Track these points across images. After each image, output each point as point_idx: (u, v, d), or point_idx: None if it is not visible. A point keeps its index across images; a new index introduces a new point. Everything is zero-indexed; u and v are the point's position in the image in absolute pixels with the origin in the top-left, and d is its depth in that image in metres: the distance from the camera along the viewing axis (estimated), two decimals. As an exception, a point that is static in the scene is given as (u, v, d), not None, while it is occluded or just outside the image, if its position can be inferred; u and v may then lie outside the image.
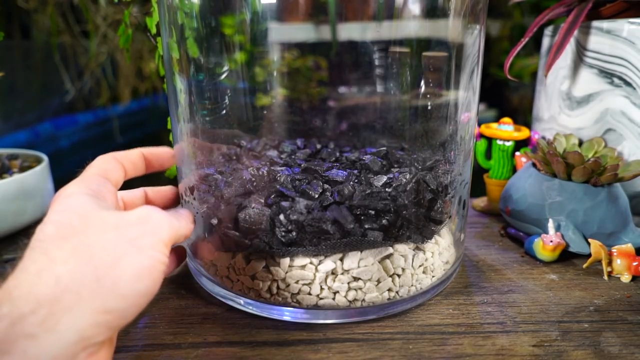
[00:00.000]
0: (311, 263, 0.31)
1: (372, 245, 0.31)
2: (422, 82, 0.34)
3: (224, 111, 0.36)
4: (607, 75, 0.44)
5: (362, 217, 0.31)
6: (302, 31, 0.35)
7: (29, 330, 0.19)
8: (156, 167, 0.34)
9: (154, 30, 0.43)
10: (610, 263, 0.38)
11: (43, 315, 0.20)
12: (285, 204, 0.31)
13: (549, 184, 0.41)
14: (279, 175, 0.33)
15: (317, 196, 0.31)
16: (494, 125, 0.52)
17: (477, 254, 0.43)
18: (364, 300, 0.32)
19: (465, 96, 0.35)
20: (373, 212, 0.31)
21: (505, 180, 0.50)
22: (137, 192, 0.34)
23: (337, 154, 0.39)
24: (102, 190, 0.26)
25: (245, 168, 0.35)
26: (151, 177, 0.36)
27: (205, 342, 0.30)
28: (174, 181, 0.41)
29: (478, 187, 0.51)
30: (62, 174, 0.45)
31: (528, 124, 0.54)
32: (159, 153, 0.34)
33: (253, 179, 0.33)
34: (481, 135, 0.52)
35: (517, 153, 0.50)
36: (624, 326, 0.31)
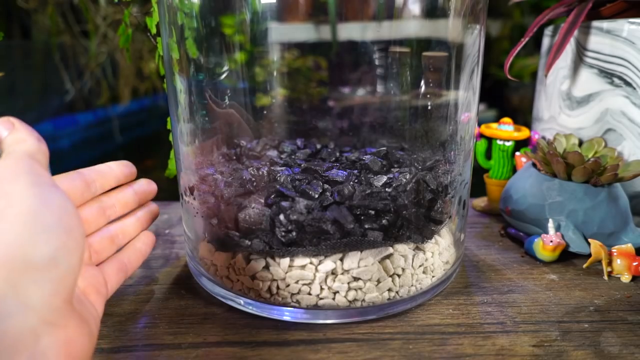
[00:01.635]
0: (311, 263, 0.31)
1: (372, 245, 0.31)
2: (422, 82, 0.34)
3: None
4: (607, 75, 0.44)
5: (362, 217, 0.31)
6: (302, 31, 0.35)
7: None
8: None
9: (154, 30, 0.43)
10: (610, 263, 0.38)
11: None
12: (285, 204, 0.31)
13: (549, 184, 0.41)
14: (279, 175, 0.33)
15: (317, 196, 0.31)
16: (494, 125, 0.52)
17: (477, 254, 0.43)
18: (364, 300, 0.32)
19: (465, 96, 0.35)
20: (373, 212, 0.31)
21: (505, 180, 0.50)
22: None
23: (337, 154, 0.39)
24: None
25: (245, 168, 0.35)
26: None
27: (205, 342, 0.30)
28: (174, 181, 0.41)
29: (478, 187, 0.51)
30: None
31: (528, 124, 0.54)
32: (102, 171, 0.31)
33: (253, 179, 0.33)
34: (481, 135, 0.52)
35: (517, 153, 0.50)
36: (624, 326, 0.31)
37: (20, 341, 0.17)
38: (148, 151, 1.31)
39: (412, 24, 0.32)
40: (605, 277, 0.37)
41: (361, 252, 0.31)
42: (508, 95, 1.50)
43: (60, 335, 0.19)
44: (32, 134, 0.23)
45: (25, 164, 0.21)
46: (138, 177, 0.35)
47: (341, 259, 0.31)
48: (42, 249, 0.19)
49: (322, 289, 0.31)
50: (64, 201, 0.21)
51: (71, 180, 0.28)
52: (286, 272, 0.31)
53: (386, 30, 0.33)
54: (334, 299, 0.31)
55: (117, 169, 0.31)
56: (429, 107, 0.35)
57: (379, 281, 0.32)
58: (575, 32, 0.45)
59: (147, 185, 0.35)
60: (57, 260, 0.19)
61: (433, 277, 0.35)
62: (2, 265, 0.18)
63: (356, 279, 0.31)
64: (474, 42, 0.34)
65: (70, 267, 0.20)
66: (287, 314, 0.32)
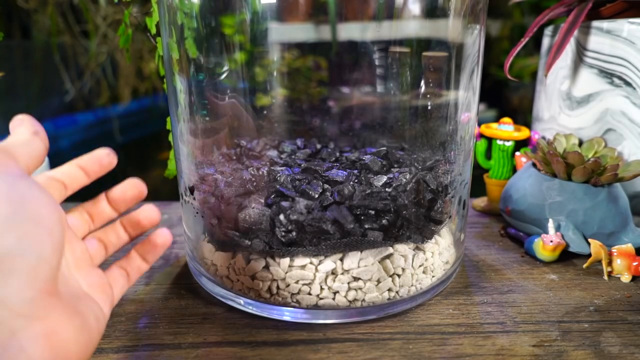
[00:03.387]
0: (311, 263, 0.31)
1: (372, 245, 0.31)
2: (422, 82, 0.34)
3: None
4: (607, 75, 0.44)
5: (362, 217, 0.31)
6: (302, 31, 0.35)
7: None
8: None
9: (153, 30, 0.43)
10: (610, 263, 0.38)
11: None
12: (285, 204, 0.31)
13: (549, 184, 0.41)
14: (279, 175, 0.33)
15: (317, 196, 0.31)
16: (494, 125, 0.52)
17: (477, 254, 0.43)
18: (364, 300, 0.32)
19: (465, 96, 0.35)
20: (373, 212, 0.31)
21: (505, 180, 0.50)
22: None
23: (337, 154, 0.39)
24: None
25: (245, 168, 0.35)
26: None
27: (205, 342, 0.30)
28: (174, 181, 0.41)
29: (478, 187, 0.51)
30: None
31: (528, 124, 0.54)
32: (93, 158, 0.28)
33: (253, 179, 0.33)
34: (481, 135, 0.52)
35: (517, 153, 0.50)
36: (624, 326, 0.31)
37: None
38: (148, 151, 1.31)
39: (412, 24, 0.32)
40: (605, 277, 0.37)
41: (361, 252, 0.31)
42: (508, 95, 1.50)
43: (38, 328, 0.18)
44: (29, 128, 0.23)
45: None
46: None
47: (341, 259, 0.31)
48: (2, 240, 0.18)
49: (322, 289, 0.31)
50: (30, 191, 0.20)
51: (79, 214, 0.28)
52: (286, 272, 0.31)
53: (386, 30, 0.33)
54: (334, 299, 0.31)
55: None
56: (429, 107, 0.35)
57: (379, 281, 0.32)
58: (575, 32, 0.45)
59: (129, 188, 0.30)
60: (23, 251, 0.18)
61: (433, 277, 0.35)
62: None
63: (356, 279, 0.31)
64: (474, 42, 0.34)
65: (40, 257, 0.19)
66: (287, 314, 0.32)
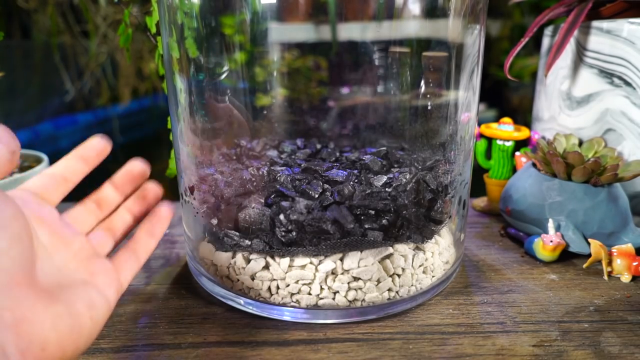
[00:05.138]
0: (311, 263, 0.31)
1: (372, 245, 0.31)
2: (422, 82, 0.34)
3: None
4: (607, 75, 0.44)
5: (362, 217, 0.31)
6: (302, 31, 0.35)
7: None
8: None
9: (153, 30, 0.43)
10: (610, 263, 0.38)
11: None
12: (285, 204, 0.31)
13: (549, 184, 0.41)
14: (279, 175, 0.33)
15: (317, 196, 0.31)
16: (494, 125, 0.52)
17: (477, 254, 0.43)
18: (364, 300, 0.32)
19: (465, 96, 0.35)
20: (373, 212, 0.31)
21: (505, 180, 0.50)
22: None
23: (337, 154, 0.39)
24: None
25: (245, 168, 0.35)
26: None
27: (205, 342, 0.30)
28: (173, 181, 0.41)
29: (478, 187, 0.51)
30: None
31: (528, 124, 0.54)
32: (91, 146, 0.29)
33: (253, 179, 0.33)
34: (481, 135, 0.52)
35: (517, 153, 0.50)
36: (624, 326, 0.31)
37: None
38: (148, 151, 1.31)
39: (412, 24, 0.32)
40: (605, 277, 0.37)
41: (361, 252, 0.31)
42: (508, 95, 1.50)
43: (6, 317, 0.19)
44: None
45: None
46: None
47: (341, 259, 0.31)
48: None
49: (322, 288, 0.31)
50: None
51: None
52: (286, 272, 0.31)
53: (386, 30, 0.33)
54: (334, 298, 0.31)
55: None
56: (429, 107, 0.35)
57: (379, 281, 0.32)
58: (575, 32, 0.45)
59: (130, 173, 0.31)
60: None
61: (433, 277, 0.35)
62: None
63: (356, 278, 0.31)
64: (474, 42, 0.34)
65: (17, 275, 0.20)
66: (287, 314, 0.32)
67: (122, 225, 0.30)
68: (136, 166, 0.31)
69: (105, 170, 0.32)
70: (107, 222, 0.30)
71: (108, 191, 0.30)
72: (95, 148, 0.29)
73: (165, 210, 0.31)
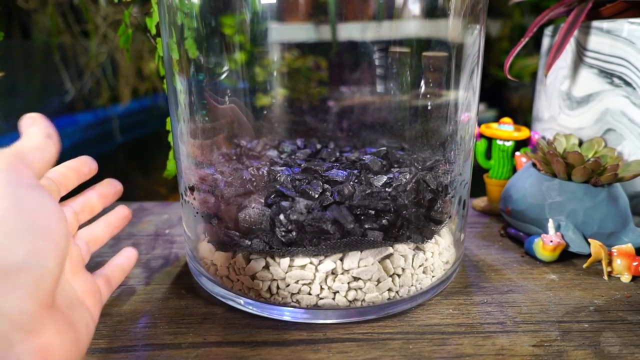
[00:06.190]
0: (311, 263, 0.31)
1: (372, 245, 0.31)
2: (422, 82, 0.34)
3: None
4: (607, 75, 0.44)
5: (362, 217, 0.31)
6: (302, 31, 0.35)
7: None
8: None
9: (153, 31, 0.43)
10: (610, 263, 0.38)
11: None
12: (285, 204, 0.31)
13: (549, 184, 0.41)
14: (279, 175, 0.33)
15: (317, 196, 0.31)
16: (494, 125, 0.52)
17: (477, 254, 0.43)
18: (364, 300, 0.32)
19: (465, 96, 0.35)
20: (373, 212, 0.31)
21: (505, 180, 0.50)
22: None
23: (337, 154, 0.39)
24: None
25: (245, 168, 0.35)
26: (150, 177, 0.36)
27: (205, 342, 0.30)
28: (173, 181, 0.41)
29: (478, 187, 0.51)
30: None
31: (528, 124, 0.54)
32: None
33: (253, 179, 0.33)
34: (481, 135, 0.52)
35: (517, 153, 0.50)
36: (624, 326, 0.31)
37: None
38: (148, 151, 1.31)
39: (412, 24, 0.32)
40: (605, 277, 0.37)
41: (361, 252, 0.31)
42: (508, 95, 1.50)
43: (35, 342, 0.19)
44: (42, 130, 0.23)
45: (4, 162, 0.21)
46: (139, 177, 0.34)
47: (341, 259, 0.31)
48: (12, 252, 0.18)
49: (322, 288, 0.31)
50: (41, 202, 0.20)
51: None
52: (286, 272, 0.31)
53: (386, 30, 0.33)
54: (334, 298, 0.31)
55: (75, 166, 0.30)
56: (429, 107, 0.35)
57: (379, 281, 0.32)
58: (575, 32, 0.45)
59: (110, 187, 0.32)
60: (29, 264, 0.19)
61: (433, 277, 0.35)
62: None
63: (356, 278, 0.31)
64: (474, 42, 0.34)
65: (45, 270, 0.19)
66: (287, 314, 0.32)
67: (93, 245, 0.30)
68: (108, 187, 0.32)
69: (106, 171, 0.32)
70: (85, 236, 0.29)
71: (91, 196, 0.30)
72: (86, 163, 0.29)
73: (122, 210, 0.32)
